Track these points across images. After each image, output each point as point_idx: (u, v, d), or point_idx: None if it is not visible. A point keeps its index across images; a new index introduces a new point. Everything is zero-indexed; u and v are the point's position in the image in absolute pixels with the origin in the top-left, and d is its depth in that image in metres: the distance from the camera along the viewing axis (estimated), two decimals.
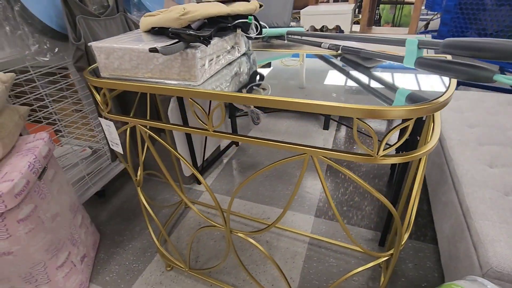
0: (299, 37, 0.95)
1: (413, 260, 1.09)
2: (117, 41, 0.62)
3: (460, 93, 1.38)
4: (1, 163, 0.85)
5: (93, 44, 0.63)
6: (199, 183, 1.58)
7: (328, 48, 0.75)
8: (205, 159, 1.62)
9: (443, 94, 0.46)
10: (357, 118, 0.46)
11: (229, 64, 0.72)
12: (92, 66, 0.76)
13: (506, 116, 1.15)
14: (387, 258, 0.70)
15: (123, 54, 0.60)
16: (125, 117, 0.71)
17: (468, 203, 0.77)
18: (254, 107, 1.68)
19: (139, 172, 0.98)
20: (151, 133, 0.72)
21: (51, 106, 1.21)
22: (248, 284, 1.05)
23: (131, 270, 1.13)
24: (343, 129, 2.00)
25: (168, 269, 1.13)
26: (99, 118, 0.75)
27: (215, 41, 0.61)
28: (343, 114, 0.46)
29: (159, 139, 0.72)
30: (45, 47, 0.83)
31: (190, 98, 0.59)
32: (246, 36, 0.74)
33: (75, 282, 1.02)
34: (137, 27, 1.04)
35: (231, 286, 1.04)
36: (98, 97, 0.72)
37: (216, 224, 0.83)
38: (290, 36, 0.98)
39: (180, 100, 1.29)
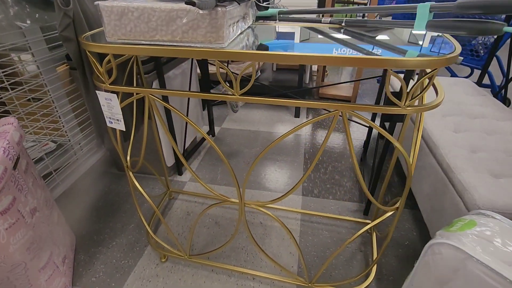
0: (288, 16, 0.99)
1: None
2: (129, 0, 0.58)
3: None
4: None
5: (101, 4, 0.57)
6: (180, 173, 1.51)
7: (330, 23, 0.80)
8: (185, 148, 1.56)
9: (453, 52, 0.54)
10: (390, 70, 0.51)
11: (241, 33, 0.72)
12: (89, 32, 0.69)
13: (456, 94, 1.35)
14: (393, 212, 0.78)
15: (140, 14, 0.56)
16: (133, 88, 0.66)
17: (448, 160, 0.89)
18: None
19: (128, 156, 0.91)
20: (164, 103, 0.68)
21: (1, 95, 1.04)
22: (250, 264, 1.05)
23: (121, 267, 1.04)
24: (311, 116, 2.11)
25: (163, 260, 1.06)
26: (97, 92, 0.69)
27: (235, 5, 0.61)
28: (374, 66, 0.50)
29: (173, 107, 0.69)
30: (26, 11, 0.72)
31: (218, 61, 0.58)
32: (257, 5, 0.75)
33: (59, 285, 0.90)
34: None
35: (233, 266, 1.02)
36: (99, 67, 0.65)
37: (229, 199, 0.81)
38: (281, 15, 1.01)
39: (162, 83, 1.22)
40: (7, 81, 1.04)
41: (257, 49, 0.68)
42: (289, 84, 2.30)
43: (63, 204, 1.32)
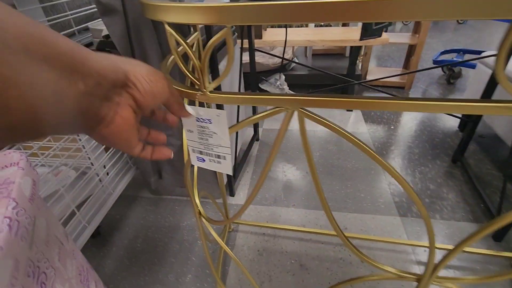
0: None
1: None
2: None
3: None
4: None
5: None
6: (232, 194, 1.19)
7: None
8: (235, 159, 1.23)
9: None
10: None
11: None
12: None
13: None
14: None
15: None
16: (272, 95, 0.33)
17: None
18: (289, 89, 1.34)
19: (197, 197, 0.58)
20: (319, 118, 0.35)
21: None
22: None
23: None
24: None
25: None
26: (187, 107, 0.35)
27: None
28: None
29: (325, 120, 0.36)
30: None
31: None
32: None
33: None
34: None
35: None
36: (194, 60, 0.32)
37: (401, 274, 0.49)
38: None
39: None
40: None
41: None
42: (334, 72, 1.94)
43: (92, 254, 1.00)
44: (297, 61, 2.02)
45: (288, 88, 1.25)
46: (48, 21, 0.75)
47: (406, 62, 2.06)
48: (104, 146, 1.00)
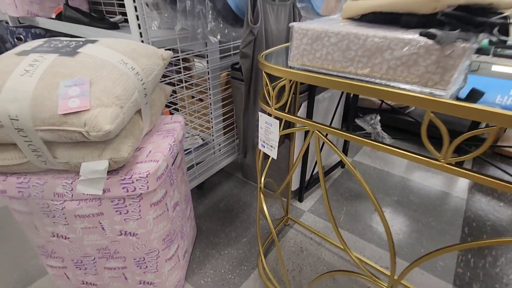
0: None
1: None
2: (328, 24, 0.50)
3: None
4: (144, 140, 0.82)
5: (296, 25, 0.51)
6: (300, 200, 1.42)
7: None
8: (312, 174, 1.45)
9: None
10: None
11: None
12: (266, 51, 0.66)
13: None
14: None
15: (339, 41, 0.47)
16: (298, 118, 0.58)
17: None
18: (381, 129, 1.45)
19: (263, 178, 0.85)
20: (329, 142, 0.57)
21: (180, 92, 1.21)
22: None
23: (226, 282, 1.03)
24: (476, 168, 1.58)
25: None
26: (260, 114, 0.65)
27: (479, 38, 0.43)
28: None
29: (335, 147, 0.57)
30: (219, 27, 0.78)
31: (433, 114, 0.42)
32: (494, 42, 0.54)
33: (176, 278, 0.95)
34: (301, 17, 0.94)
35: None
36: (270, 89, 0.61)
37: (363, 275, 0.64)
38: (499, 49, 0.74)
39: (310, 106, 1.15)
40: (186, 81, 1.20)
41: (469, 96, 0.48)
42: (453, 126, 1.83)
43: (193, 196, 1.45)
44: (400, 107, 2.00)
45: (381, 129, 1.36)
46: (219, 46, 1.22)
47: None
48: (224, 130, 1.44)
